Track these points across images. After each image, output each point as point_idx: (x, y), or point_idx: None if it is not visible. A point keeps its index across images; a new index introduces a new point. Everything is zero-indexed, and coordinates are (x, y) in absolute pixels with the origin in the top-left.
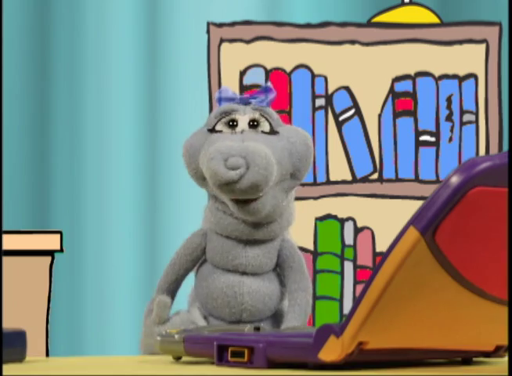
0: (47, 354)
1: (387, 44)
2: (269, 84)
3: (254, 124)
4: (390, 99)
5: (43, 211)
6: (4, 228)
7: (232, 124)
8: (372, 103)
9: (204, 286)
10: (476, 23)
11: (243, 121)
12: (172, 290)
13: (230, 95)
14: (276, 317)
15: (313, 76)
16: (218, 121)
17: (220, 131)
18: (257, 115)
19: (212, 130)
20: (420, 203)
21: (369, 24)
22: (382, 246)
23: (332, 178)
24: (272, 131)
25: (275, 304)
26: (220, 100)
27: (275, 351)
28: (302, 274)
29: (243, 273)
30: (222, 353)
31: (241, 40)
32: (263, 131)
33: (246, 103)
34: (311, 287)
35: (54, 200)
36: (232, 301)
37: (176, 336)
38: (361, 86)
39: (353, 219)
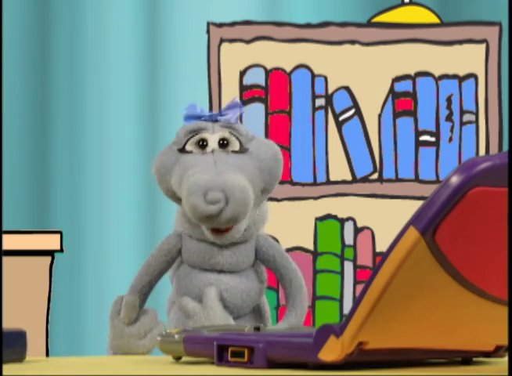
0: (47, 354)
1: (387, 44)
2: (237, 99)
3: (223, 144)
4: (390, 99)
5: (43, 211)
6: (4, 228)
7: (202, 144)
8: (372, 103)
9: (183, 286)
10: (476, 23)
11: (212, 141)
12: (145, 292)
13: (198, 113)
14: (256, 314)
15: (313, 76)
16: (187, 141)
17: (190, 152)
18: (226, 134)
19: (182, 150)
20: (420, 203)
21: (369, 24)
22: (382, 246)
23: (332, 178)
24: (242, 150)
25: (253, 300)
26: (187, 118)
27: (275, 351)
28: (286, 259)
29: (221, 272)
30: (222, 353)
31: (241, 40)
32: (233, 151)
33: (214, 120)
34: (297, 269)
35: (54, 200)
36: None
37: (176, 336)
38: (361, 86)
39: (353, 219)
